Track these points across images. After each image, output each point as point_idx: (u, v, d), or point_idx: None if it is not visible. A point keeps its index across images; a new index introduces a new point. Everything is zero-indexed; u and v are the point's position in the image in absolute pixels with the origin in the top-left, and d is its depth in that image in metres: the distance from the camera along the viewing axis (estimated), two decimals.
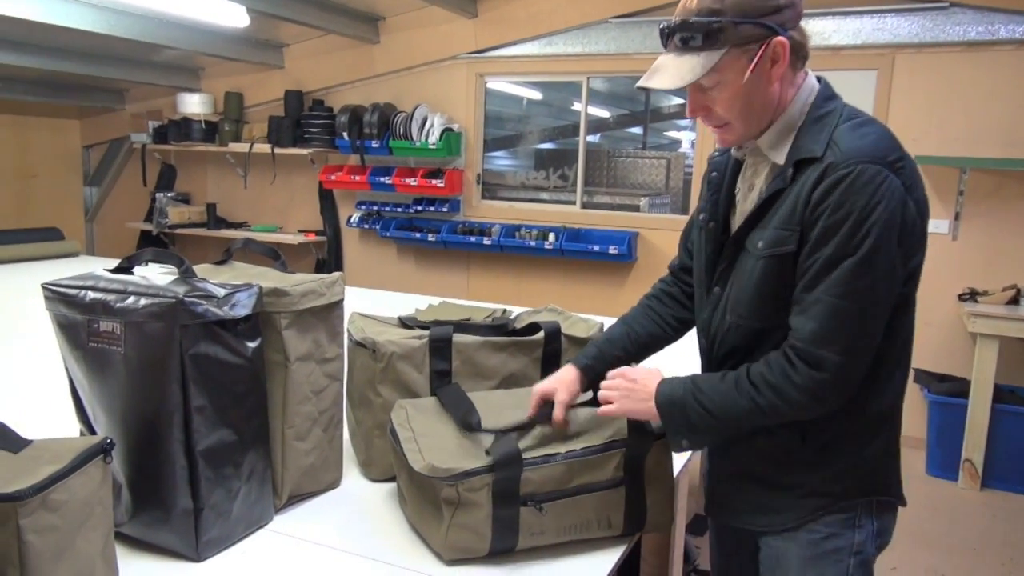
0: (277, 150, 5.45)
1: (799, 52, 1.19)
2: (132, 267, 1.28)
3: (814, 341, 1.11)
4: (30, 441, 1.04)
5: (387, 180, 5.14)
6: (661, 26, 1.20)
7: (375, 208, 5.43)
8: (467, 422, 1.30)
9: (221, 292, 1.17)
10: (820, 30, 4.08)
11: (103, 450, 1.06)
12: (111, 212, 6.53)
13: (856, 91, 4.11)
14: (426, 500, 1.23)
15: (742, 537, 1.36)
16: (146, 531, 1.21)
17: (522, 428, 1.29)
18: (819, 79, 1.25)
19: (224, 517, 1.21)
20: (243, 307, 1.20)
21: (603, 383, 1.29)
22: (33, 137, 6.05)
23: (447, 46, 5.06)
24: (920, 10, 3.88)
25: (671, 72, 1.18)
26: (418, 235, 5.19)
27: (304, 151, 5.38)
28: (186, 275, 1.21)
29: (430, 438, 1.27)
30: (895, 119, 3.99)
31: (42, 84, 5.53)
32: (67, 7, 4.08)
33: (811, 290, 1.12)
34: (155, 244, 6.01)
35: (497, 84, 5.30)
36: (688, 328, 1.51)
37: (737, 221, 1.28)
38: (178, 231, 5.85)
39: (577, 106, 5.20)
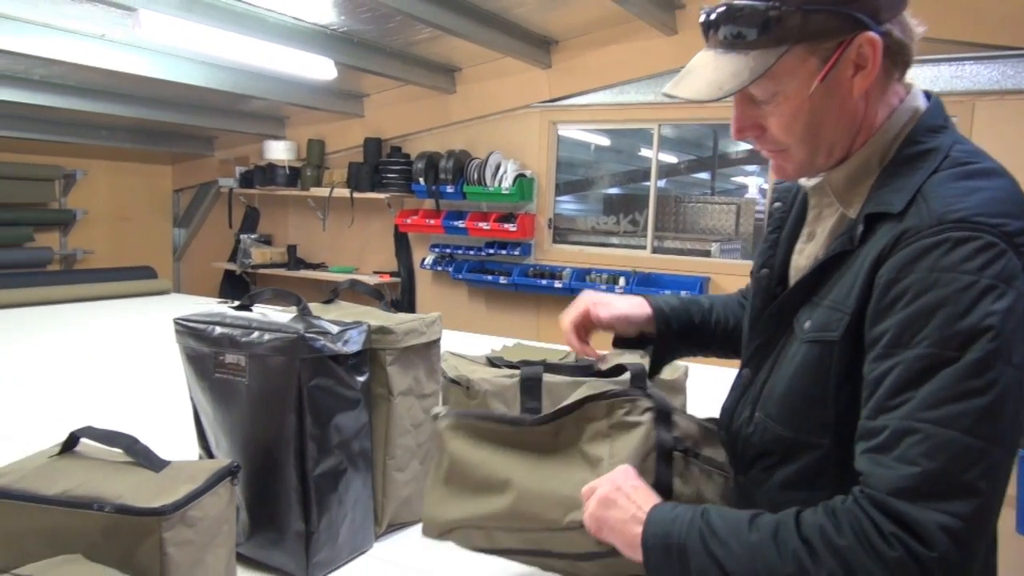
0: (356, 194, 5.67)
1: (897, 56, 0.85)
2: (253, 304, 1.39)
3: (917, 494, 0.72)
4: (168, 462, 1.14)
5: (460, 224, 5.28)
6: (701, 17, 0.90)
7: (448, 251, 5.57)
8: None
9: (335, 329, 1.27)
10: None
11: (231, 472, 1.15)
12: (197, 252, 6.86)
13: None
14: (554, 457, 1.04)
15: None
16: (261, 552, 1.29)
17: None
18: (928, 96, 0.90)
19: (332, 541, 1.29)
20: (354, 343, 1.29)
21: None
22: (128, 181, 6.43)
23: (521, 95, 5.22)
24: (1000, 57, 3.84)
25: (707, 76, 0.87)
26: (489, 277, 5.30)
27: (381, 195, 5.58)
28: (304, 313, 1.31)
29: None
30: None
31: (139, 132, 5.90)
32: (170, 62, 4.38)
33: (890, 412, 0.75)
34: (238, 283, 6.28)
35: (568, 131, 5.42)
36: None
37: (794, 278, 0.96)
38: (260, 271, 6.10)
39: (645, 152, 5.29)
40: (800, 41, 0.82)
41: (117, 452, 1.15)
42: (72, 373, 2.66)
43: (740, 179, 7.46)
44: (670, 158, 6.62)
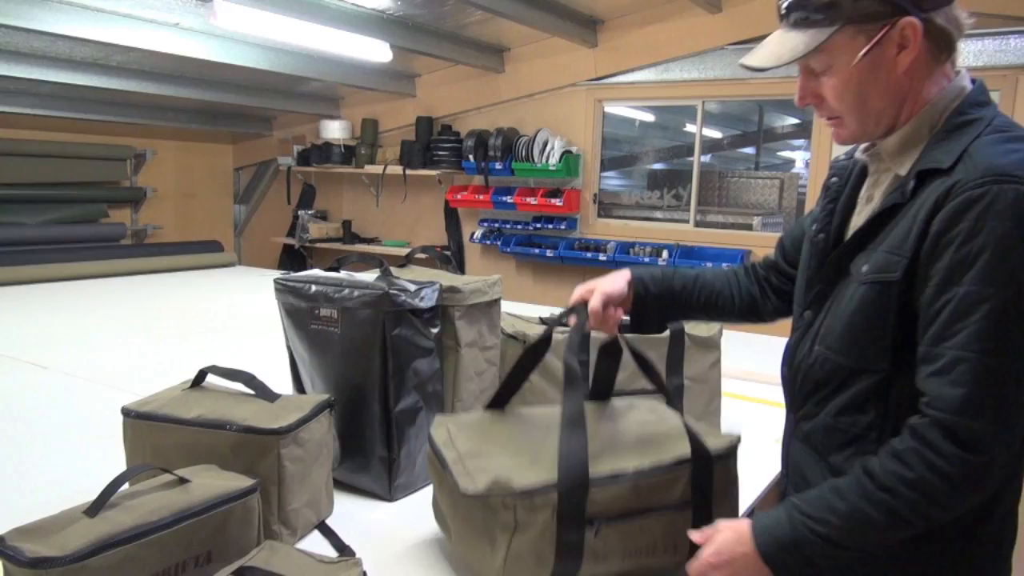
0: (408, 171, 5.90)
1: (941, 41, 1.00)
2: (340, 268, 1.61)
3: (964, 412, 0.88)
4: (280, 395, 1.37)
5: (509, 199, 5.47)
6: (778, 3, 1.06)
7: (497, 225, 5.77)
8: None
9: (413, 287, 1.48)
10: None
11: (329, 404, 1.38)
12: (257, 227, 7.19)
13: None
14: (476, 528, 1.11)
15: None
16: (351, 476, 1.52)
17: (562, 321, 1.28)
18: (974, 81, 1.05)
19: (410, 468, 1.51)
20: (429, 300, 1.50)
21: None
22: (192, 160, 6.77)
23: (568, 74, 5.37)
24: None
25: (770, 50, 1.04)
26: (536, 251, 5.49)
27: (433, 172, 5.80)
28: (386, 274, 1.52)
29: (479, 459, 1.14)
30: None
31: (201, 113, 6.21)
32: (236, 47, 4.64)
33: (945, 342, 0.91)
34: (296, 257, 6.58)
35: (613, 108, 5.55)
36: (751, 320, 1.38)
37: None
38: (317, 245, 6.39)
39: (690, 127, 5.39)
40: (850, 22, 0.98)
41: (236, 387, 1.38)
42: (167, 332, 2.95)
43: (786, 153, 7.48)
44: (715, 133, 6.69)
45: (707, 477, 1.12)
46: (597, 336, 1.69)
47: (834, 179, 1.19)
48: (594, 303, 1.24)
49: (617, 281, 1.28)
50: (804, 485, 1.11)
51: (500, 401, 1.32)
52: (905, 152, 1.03)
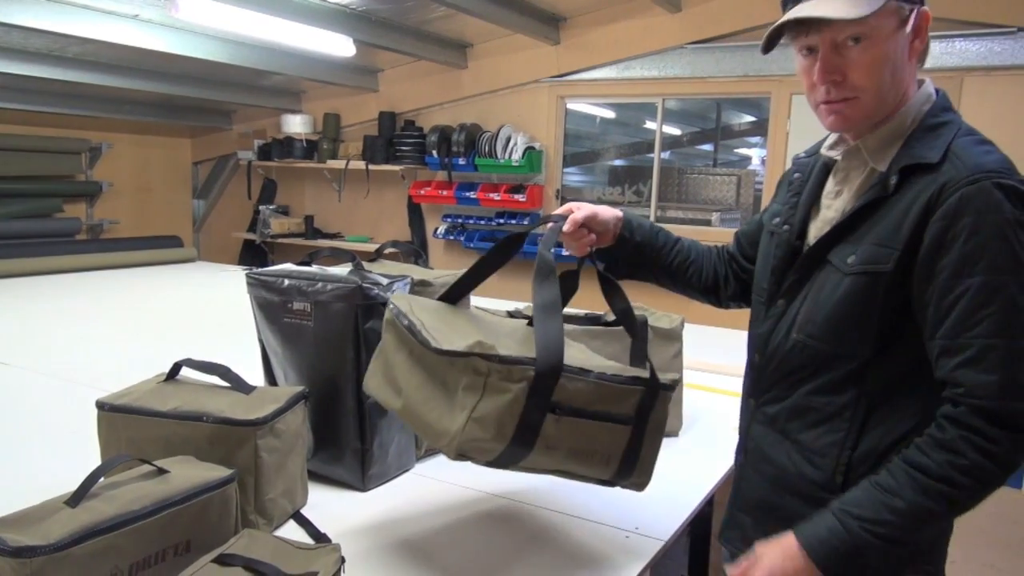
0: (371, 167, 5.89)
1: (925, 36, 1.08)
2: (312, 262, 1.63)
3: (1005, 395, 0.94)
4: (255, 387, 1.39)
5: (472, 195, 5.50)
6: None
7: (460, 221, 5.80)
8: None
9: (385, 281, 1.51)
10: None
11: (303, 396, 1.41)
12: (216, 223, 7.10)
13: None
14: (436, 389, 1.11)
15: None
16: (324, 467, 1.55)
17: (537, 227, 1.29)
18: (937, 90, 1.12)
19: (383, 458, 1.54)
20: (401, 292, 1.53)
21: None
22: (149, 154, 6.66)
23: (531, 71, 5.41)
24: (988, 35, 4.03)
25: (836, 6, 1.01)
26: None
27: (396, 168, 5.80)
28: (358, 268, 1.55)
29: (442, 332, 1.14)
30: None
31: (160, 107, 6.11)
32: (196, 40, 4.59)
33: (969, 331, 0.96)
34: (258, 253, 6.52)
35: (575, 104, 5.62)
36: (709, 299, 1.43)
37: (818, 229, 1.16)
38: (279, 240, 6.34)
39: (650, 124, 5.47)
40: None
41: (211, 379, 1.40)
42: (128, 328, 2.92)
43: (743, 151, 7.62)
44: (674, 130, 6.80)
45: (652, 400, 1.16)
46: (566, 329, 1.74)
47: (796, 175, 1.25)
48: (578, 215, 1.26)
49: (608, 210, 1.31)
50: (767, 465, 1.18)
51: (454, 295, 1.34)
52: (885, 149, 1.08)
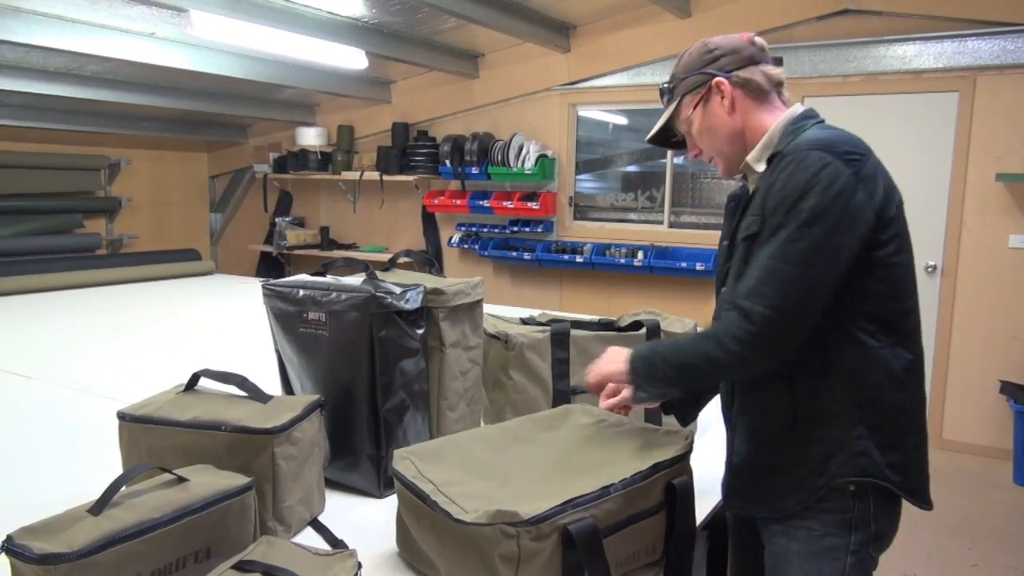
0: (385, 177, 5.94)
1: (751, 87, 1.35)
2: (327, 272, 1.66)
3: (747, 295, 1.23)
4: (272, 396, 1.41)
5: (485, 203, 5.53)
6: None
7: (474, 229, 5.83)
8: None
9: (398, 290, 1.53)
10: (902, 55, 4.25)
11: (319, 405, 1.43)
12: (233, 235, 7.18)
13: (939, 112, 4.25)
14: (471, 561, 1.09)
15: (755, 533, 1.41)
16: (340, 474, 1.57)
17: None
18: (803, 108, 1.39)
19: None
20: (415, 302, 1.55)
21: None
22: (167, 169, 6.75)
23: (542, 79, 5.44)
24: (1001, 33, 4.01)
25: (655, 124, 1.50)
26: (514, 254, 5.55)
27: (409, 178, 5.84)
28: (372, 277, 1.57)
29: (456, 486, 1.15)
30: (978, 138, 4.11)
31: (176, 122, 6.20)
32: (211, 56, 4.66)
33: (755, 256, 1.26)
34: (274, 264, 6.59)
35: (587, 112, 5.64)
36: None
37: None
38: (295, 252, 6.40)
39: None
40: (685, 94, 1.41)
41: (229, 389, 1.42)
42: (148, 340, 2.97)
43: None
44: None
45: (677, 473, 1.26)
46: (579, 335, 1.76)
47: (731, 203, 1.51)
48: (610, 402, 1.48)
49: (614, 363, 1.46)
50: (742, 430, 1.39)
51: None
52: (763, 156, 1.35)
